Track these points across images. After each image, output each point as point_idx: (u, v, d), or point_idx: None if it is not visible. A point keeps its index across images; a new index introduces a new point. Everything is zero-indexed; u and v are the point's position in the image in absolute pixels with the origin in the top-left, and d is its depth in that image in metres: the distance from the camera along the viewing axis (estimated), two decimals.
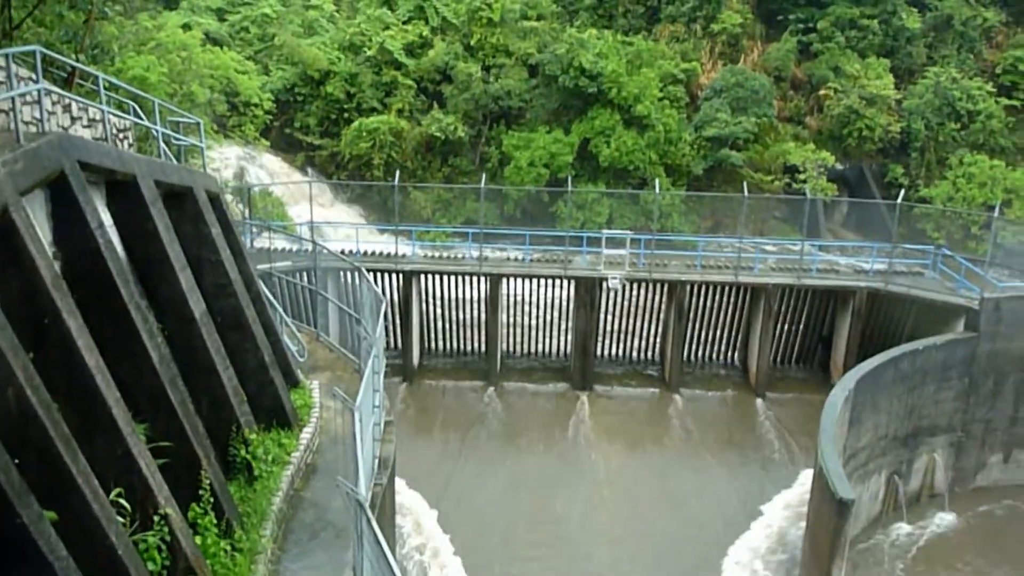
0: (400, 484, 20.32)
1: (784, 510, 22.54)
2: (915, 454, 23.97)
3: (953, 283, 27.12)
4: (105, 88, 13.09)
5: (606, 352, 30.27)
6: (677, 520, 22.38)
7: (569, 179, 35.69)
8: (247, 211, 29.21)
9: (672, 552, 21.16)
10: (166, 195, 12.24)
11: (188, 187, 13.07)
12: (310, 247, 24.37)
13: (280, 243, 27.98)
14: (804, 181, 41.63)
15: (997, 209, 29.83)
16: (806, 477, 22.03)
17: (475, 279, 28.58)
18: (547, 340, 30.55)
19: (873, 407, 21.91)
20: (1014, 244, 38.88)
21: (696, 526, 22.10)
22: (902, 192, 31.28)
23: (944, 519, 23.40)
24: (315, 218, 29.59)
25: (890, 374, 22.28)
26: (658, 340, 30.29)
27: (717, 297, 29.57)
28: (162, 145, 14.54)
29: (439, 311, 29.89)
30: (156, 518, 8.80)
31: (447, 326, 30.09)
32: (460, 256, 30.05)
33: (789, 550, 21.12)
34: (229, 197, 24.62)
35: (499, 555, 20.71)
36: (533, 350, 30.69)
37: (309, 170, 34.54)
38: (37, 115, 9.86)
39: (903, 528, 22.89)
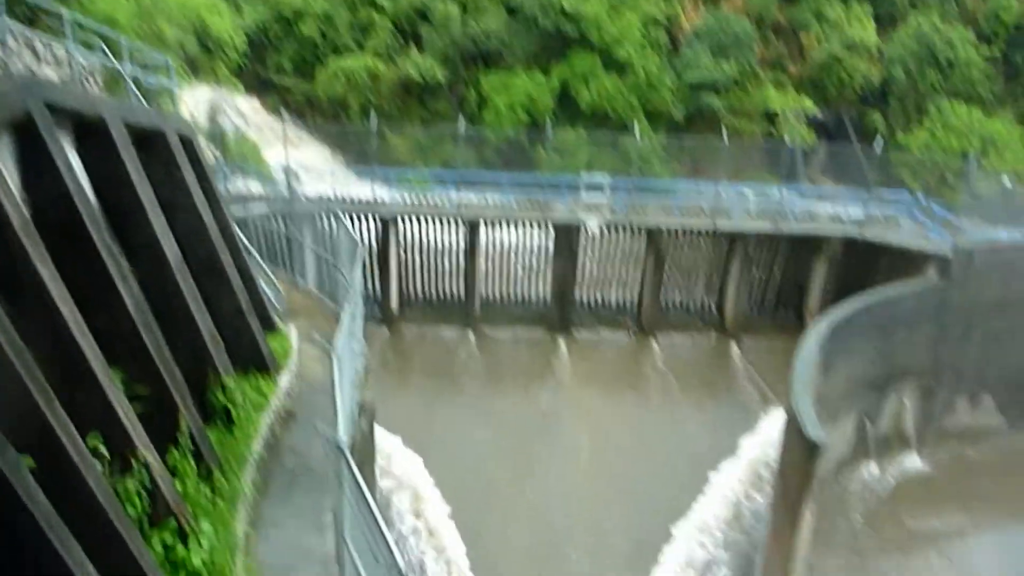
0: (380, 430, 20.49)
1: (756, 453, 22.95)
2: (885, 398, 24.42)
3: (928, 231, 27.36)
4: (72, 26, 12.73)
5: (585, 297, 30.41)
6: (653, 467, 22.73)
7: (548, 123, 35.35)
8: (221, 154, 28.77)
9: (648, 501, 21.55)
10: (137, 138, 12.00)
11: (159, 129, 12.81)
12: (286, 192, 24.10)
13: (255, 187, 27.64)
14: (784, 128, 41.56)
15: (973, 158, 29.95)
16: (779, 420, 22.39)
17: (454, 224, 28.46)
18: (527, 285, 30.62)
19: (845, 352, 22.22)
20: (988, 193, 39.16)
21: (672, 473, 22.48)
22: (880, 140, 31.28)
23: (912, 462, 23.98)
24: (291, 162, 29.22)
25: (863, 319, 22.56)
26: (636, 285, 30.42)
27: (695, 243, 29.67)
28: (132, 86, 14.21)
29: (418, 257, 29.81)
30: (135, 464, 8.81)
31: (426, 272, 30.04)
32: (439, 201, 29.87)
33: (758, 495, 21.59)
34: (202, 140, 24.21)
35: (481, 503, 21.02)
36: (512, 296, 30.76)
37: (284, 112, 34.00)
38: (1, 55, 9.59)
39: (872, 471, 23.44)
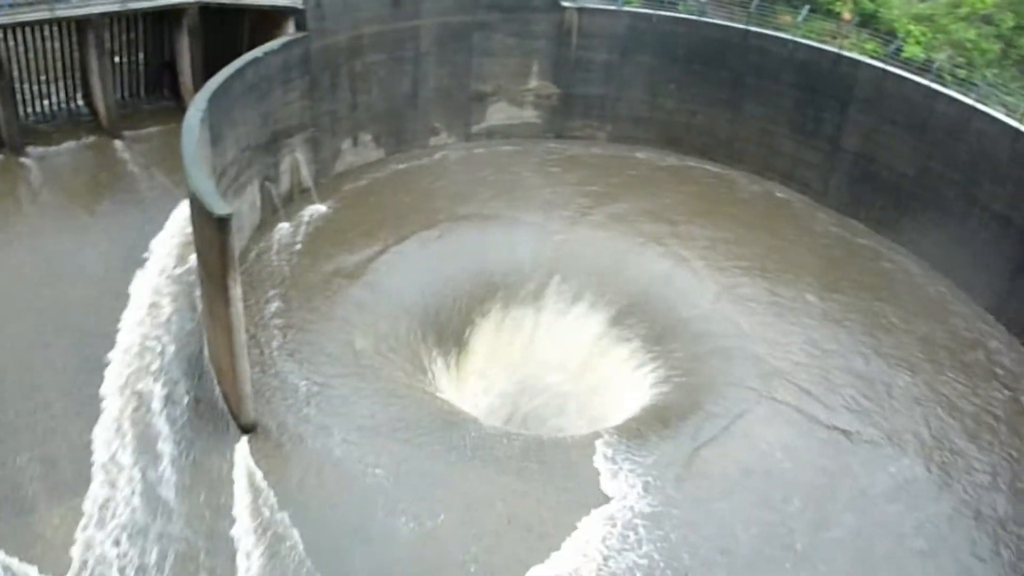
0: None
1: (172, 242, 22.55)
2: (279, 158, 25.46)
3: None
4: None
5: None
6: (73, 290, 21.01)
7: None
8: None
9: (77, 325, 20.10)
10: None
11: None
12: None
13: None
14: None
15: None
16: (185, 206, 22.03)
17: None
18: None
19: (230, 122, 22.30)
20: None
21: (92, 287, 21.13)
22: None
23: (317, 210, 25.79)
24: None
25: (238, 86, 22.67)
26: None
27: (39, 39, 26.10)
28: None
29: None
30: None
31: None
32: None
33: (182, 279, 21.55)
34: None
35: None
36: None
37: None
38: None
39: (285, 227, 24.76)
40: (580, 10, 29.86)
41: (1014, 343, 23.09)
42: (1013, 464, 19.26)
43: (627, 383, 23.15)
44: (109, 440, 18.01)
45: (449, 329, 23.70)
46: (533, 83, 30.89)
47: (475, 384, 24.41)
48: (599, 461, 18.85)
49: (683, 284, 24.33)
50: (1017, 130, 23.22)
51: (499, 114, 31.02)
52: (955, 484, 18.72)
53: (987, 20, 35.47)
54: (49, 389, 18.73)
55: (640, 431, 20.02)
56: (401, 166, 28.75)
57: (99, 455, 17.71)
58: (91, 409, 18.42)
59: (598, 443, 19.46)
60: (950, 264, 25.34)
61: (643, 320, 23.84)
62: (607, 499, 17.83)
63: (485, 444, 19.32)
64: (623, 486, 18.16)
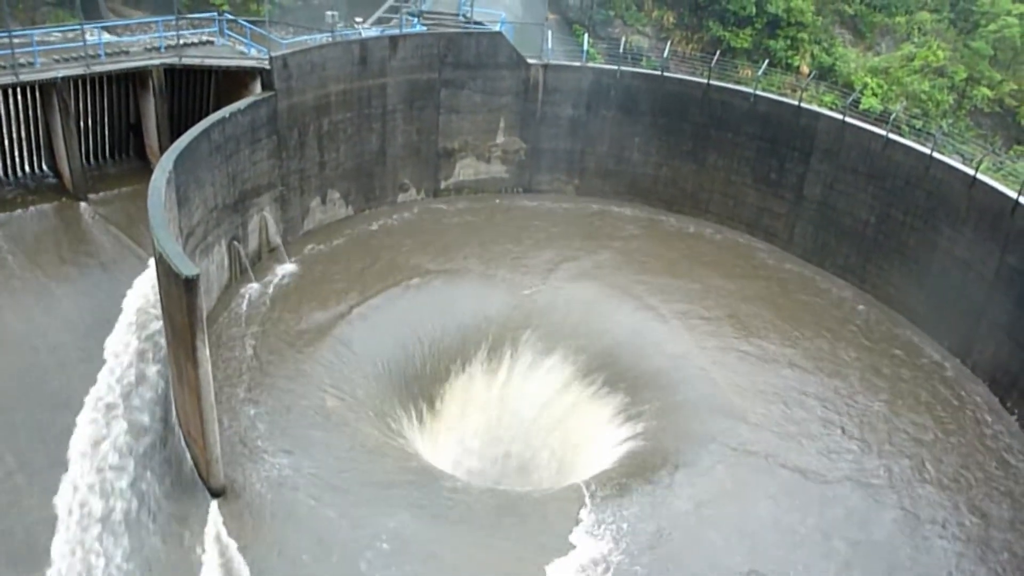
0: None
1: (137, 307, 22.18)
2: (247, 217, 25.33)
3: (244, 47, 27.86)
4: None
5: None
6: (20, 357, 20.47)
7: None
8: None
9: (47, 387, 19.61)
10: None
11: None
12: None
13: None
14: None
15: None
16: (152, 267, 21.74)
17: None
18: None
19: (197, 183, 22.21)
20: (290, 3, 41.15)
21: (63, 357, 20.62)
22: None
23: (285, 269, 25.61)
24: None
25: (205, 147, 22.62)
26: None
27: (2, 103, 25.89)
28: None
29: None
30: None
31: None
32: None
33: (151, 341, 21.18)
34: None
35: None
36: None
37: None
38: None
39: (253, 287, 24.53)
40: (545, 66, 30.37)
41: (980, 385, 23.34)
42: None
43: (600, 435, 23.00)
44: (73, 508, 17.48)
45: (421, 386, 23.47)
46: (500, 139, 31.20)
47: (449, 440, 24.13)
48: (574, 514, 18.63)
49: (654, 336, 24.37)
50: (973, 177, 23.80)
51: (467, 170, 31.24)
52: (929, 526, 18.76)
53: (940, 72, 36.68)
54: (11, 458, 18.18)
55: (614, 483, 19.83)
56: (370, 223, 28.74)
57: (62, 525, 17.18)
58: (55, 478, 17.88)
59: (573, 496, 19.24)
60: (915, 309, 25.70)
61: (615, 372, 23.79)
62: (581, 551, 17.60)
63: (460, 501, 19.03)
64: (598, 538, 17.95)
